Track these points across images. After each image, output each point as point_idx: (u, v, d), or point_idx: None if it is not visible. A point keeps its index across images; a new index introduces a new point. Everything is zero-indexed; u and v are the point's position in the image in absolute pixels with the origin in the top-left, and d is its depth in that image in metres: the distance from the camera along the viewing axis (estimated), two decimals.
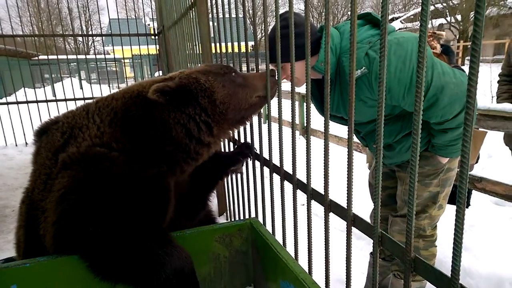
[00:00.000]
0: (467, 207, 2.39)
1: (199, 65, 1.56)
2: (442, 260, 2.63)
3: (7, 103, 6.79)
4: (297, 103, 7.39)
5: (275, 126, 1.66)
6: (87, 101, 1.46)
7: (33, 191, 1.29)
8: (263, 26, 1.68)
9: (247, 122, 1.65)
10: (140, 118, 1.30)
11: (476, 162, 2.21)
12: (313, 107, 2.18)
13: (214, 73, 1.45)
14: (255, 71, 1.82)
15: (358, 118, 1.93)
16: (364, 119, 1.94)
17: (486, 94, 9.57)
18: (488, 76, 9.48)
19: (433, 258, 2.11)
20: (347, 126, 1.20)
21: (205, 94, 1.38)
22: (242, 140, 2.14)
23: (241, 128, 2.13)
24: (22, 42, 7.50)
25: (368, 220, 1.18)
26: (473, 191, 3.31)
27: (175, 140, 1.33)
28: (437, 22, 29.26)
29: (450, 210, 1.85)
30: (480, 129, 2.15)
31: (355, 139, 1.81)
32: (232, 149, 2.24)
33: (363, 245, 3.02)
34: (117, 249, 1.10)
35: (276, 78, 1.59)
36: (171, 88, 1.32)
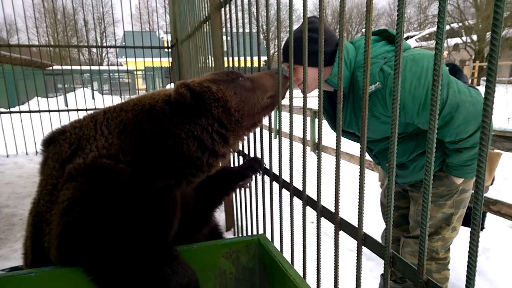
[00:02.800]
0: (481, 230, 2.33)
1: (204, 74, 1.53)
2: (455, 284, 2.57)
3: (20, 112, 6.91)
4: (308, 118, 7.38)
5: (285, 141, 1.65)
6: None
7: (39, 202, 1.28)
8: (276, 41, 1.69)
9: (259, 125, 1.63)
10: (152, 133, 1.29)
11: (491, 183, 2.16)
12: (325, 123, 2.17)
13: (224, 81, 1.43)
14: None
15: (371, 135, 1.91)
16: (376, 136, 1.92)
17: (502, 115, 9.49)
18: (504, 97, 9.41)
19: (446, 281, 2.06)
20: (359, 143, 1.18)
21: (218, 104, 1.36)
22: (252, 155, 2.13)
23: (251, 143, 2.12)
24: (37, 52, 7.67)
25: (379, 240, 1.15)
26: (488, 214, 3.24)
27: (186, 155, 1.32)
28: (452, 41, 29.28)
29: (464, 233, 1.81)
30: (495, 150, 2.11)
31: (367, 157, 1.78)
32: (241, 163, 2.23)
33: (373, 266, 2.97)
34: (121, 264, 1.08)
35: (285, 76, 1.57)
36: (194, 90, 1.33)
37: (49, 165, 1.30)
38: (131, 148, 1.26)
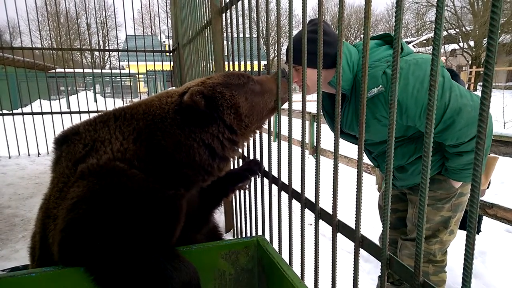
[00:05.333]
0: (477, 233, 2.34)
1: (216, 73, 1.53)
2: (452, 287, 2.58)
3: (23, 114, 6.94)
4: (307, 122, 7.41)
5: (284, 145, 1.67)
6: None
7: (49, 198, 1.29)
8: (276, 46, 1.71)
9: (264, 126, 1.65)
10: (166, 144, 1.30)
11: (488, 187, 2.18)
12: (325, 126, 2.18)
13: (236, 85, 1.43)
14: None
15: (371, 138, 1.93)
16: (377, 138, 1.93)
17: (498, 120, 9.52)
18: (501, 102, 9.45)
19: (442, 284, 2.07)
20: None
21: (231, 111, 1.37)
22: (251, 157, 2.15)
23: (251, 145, 2.14)
24: (40, 55, 7.69)
25: (377, 243, 1.17)
26: (484, 217, 3.26)
27: (198, 163, 1.33)
28: (449, 47, 29.41)
29: (460, 236, 1.83)
30: (491, 155, 2.13)
31: (365, 160, 1.79)
32: (240, 165, 2.25)
33: (370, 268, 2.98)
34: (123, 263, 1.09)
35: (287, 79, 1.59)
36: (208, 96, 1.33)
37: (61, 163, 1.31)
38: (145, 155, 1.27)
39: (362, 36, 1.09)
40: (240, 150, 1.49)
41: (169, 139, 1.30)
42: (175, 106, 1.35)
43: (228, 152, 1.40)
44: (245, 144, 1.53)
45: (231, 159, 1.45)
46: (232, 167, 2.80)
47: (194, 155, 1.32)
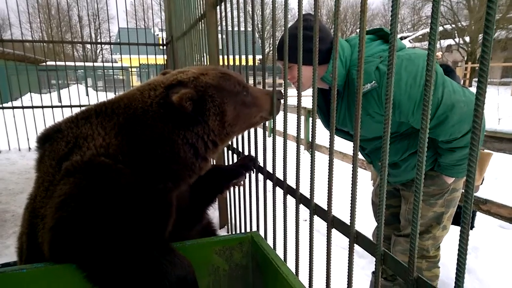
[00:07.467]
0: (471, 229, 2.36)
1: (213, 69, 1.49)
2: (445, 282, 2.60)
3: (13, 107, 6.86)
4: (302, 117, 7.40)
5: (279, 140, 1.66)
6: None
7: (35, 198, 1.28)
8: (271, 40, 1.69)
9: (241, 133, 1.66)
10: (147, 138, 1.28)
11: (481, 183, 2.19)
12: (318, 121, 2.18)
13: (229, 92, 1.40)
14: (262, 85, 1.83)
15: (364, 134, 1.92)
16: (369, 134, 1.93)
17: (493, 116, 9.60)
18: (495, 98, 9.53)
19: (436, 279, 2.08)
20: (352, 142, 1.19)
21: (216, 118, 1.36)
22: (246, 153, 2.14)
23: (246, 141, 2.13)
24: (31, 48, 7.58)
25: (371, 238, 1.16)
26: (478, 213, 3.29)
27: (183, 159, 1.32)
28: (445, 43, 29.58)
29: (454, 232, 1.83)
30: (486, 151, 2.14)
31: (360, 155, 1.78)
32: (235, 161, 2.24)
33: (364, 264, 2.99)
34: (116, 259, 1.08)
35: (282, 101, 1.59)
36: (196, 98, 1.31)
37: (45, 162, 1.29)
38: (128, 150, 1.26)
39: (358, 30, 1.08)
40: (217, 153, 1.51)
41: (150, 133, 1.28)
42: (160, 99, 1.32)
43: (209, 153, 1.40)
44: (222, 148, 1.55)
45: (210, 160, 1.46)
46: (227, 163, 2.79)
47: (179, 151, 1.31)
